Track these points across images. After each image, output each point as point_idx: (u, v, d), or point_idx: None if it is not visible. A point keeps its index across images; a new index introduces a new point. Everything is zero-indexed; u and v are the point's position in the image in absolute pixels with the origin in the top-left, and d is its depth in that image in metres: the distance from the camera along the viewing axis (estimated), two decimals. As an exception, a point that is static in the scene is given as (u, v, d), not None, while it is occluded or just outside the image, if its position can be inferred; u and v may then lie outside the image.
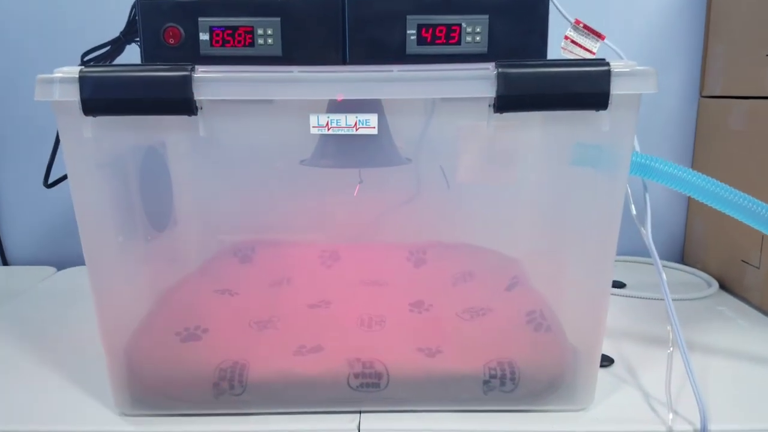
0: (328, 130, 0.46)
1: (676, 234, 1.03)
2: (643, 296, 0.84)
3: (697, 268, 0.95)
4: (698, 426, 0.53)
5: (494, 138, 0.62)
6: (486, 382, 0.54)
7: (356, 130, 0.46)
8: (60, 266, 0.98)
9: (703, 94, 0.97)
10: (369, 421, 0.54)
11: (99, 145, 0.51)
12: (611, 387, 0.59)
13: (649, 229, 0.55)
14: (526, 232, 0.72)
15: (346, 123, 0.46)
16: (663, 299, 0.81)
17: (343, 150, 0.56)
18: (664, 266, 0.97)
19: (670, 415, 0.54)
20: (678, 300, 0.83)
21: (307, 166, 0.59)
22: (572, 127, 0.51)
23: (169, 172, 0.64)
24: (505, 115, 0.48)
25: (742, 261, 0.84)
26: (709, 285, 0.88)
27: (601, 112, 0.47)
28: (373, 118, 0.46)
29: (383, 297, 0.71)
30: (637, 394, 0.58)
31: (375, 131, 0.47)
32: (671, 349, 0.57)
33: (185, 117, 0.48)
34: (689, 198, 0.99)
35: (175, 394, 0.54)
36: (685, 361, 0.54)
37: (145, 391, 0.54)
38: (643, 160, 0.52)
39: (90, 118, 0.48)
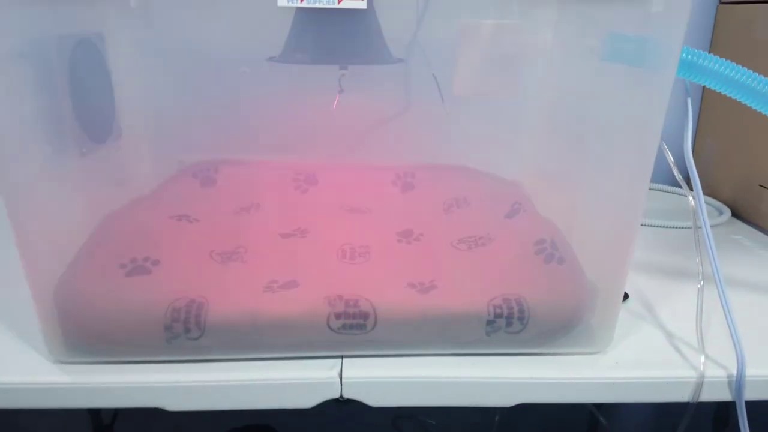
0: (302, 1, 0.35)
1: (681, 155, 0.95)
2: (668, 225, 0.76)
3: (706, 194, 0.87)
4: (733, 371, 0.46)
5: (503, 32, 0.52)
6: (490, 322, 0.46)
7: (339, 2, 0.35)
8: None
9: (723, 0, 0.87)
10: (352, 367, 0.46)
11: (4, 24, 0.39)
12: (629, 326, 0.52)
13: (689, 145, 0.46)
14: (533, 150, 0.63)
15: (325, -6, 0.35)
16: (686, 228, 0.76)
17: (321, 41, 0.45)
18: (665, 191, 0.90)
19: (702, 359, 0.47)
20: (684, 228, 0.76)
21: (276, 63, 0.48)
22: (609, 7, 0.40)
23: (108, 70, 0.52)
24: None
25: (760, 186, 0.76)
26: (721, 212, 0.81)
27: (654, -14, 0.37)
28: (360, -12, 0.35)
29: (366, 225, 0.62)
30: (660, 335, 0.51)
31: (364, 4, 0.36)
32: (701, 282, 0.50)
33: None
34: (699, 114, 0.90)
35: (119, 339, 0.45)
36: (721, 296, 0.47)
37: (83, 335, 0.45)
38: (694, 58, 0.42)
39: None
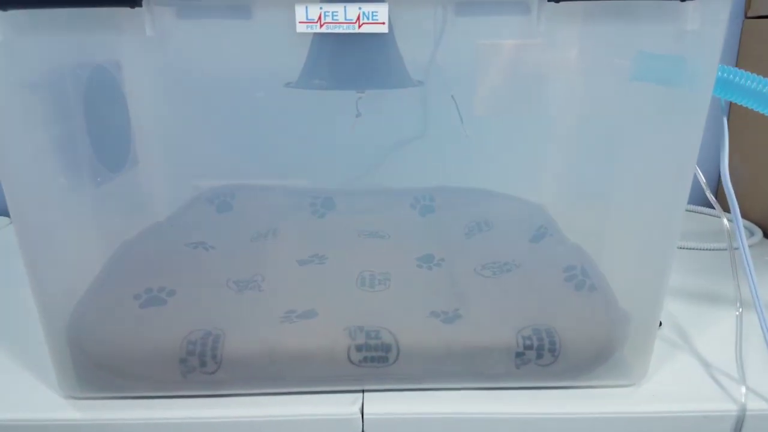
0: (321, 27, 0.34)
1: (709, 176, 0.93)
2: (699, 247, 0.73)
3: (735, 215, 0.85)
4: (778, 404, 0.43)
5: (525, 51, 0.50)
6: (519, 354, 0.44)
7: (359, 27, 0.34)
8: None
9: (749, 14, 0.85)
10: (374, 402, 0.44)
11: (18, 53, 0.38)
12: (664, 356, 0.49)
13: (726, 165, 0.44)
14: (559, 172, 0.61)
15: (345, 17, 0.34)
16: (718, 250, 0.74)
17: (339, 66, 0.44)
18: (693, 211, 0.88)
19: (743, 390, 0.44)
20: (715, 250, 0.73)
21: (294, 88, 0.47)
22: (638, 24, 0.39)
23: (124, 97, 0.51)
24: (562, 5, 0.36)
25: (793, 206, 0.74)
26: (752, 233, 0.78)
27: (688, 2, 0.35)
28: (382, 10, 0.34)
29: (386, 251, 0.60)
30: (697, 365, 0.48)
31: (385, 29, 0.34)
32: (740, 309, 0.47)
33: (127, 11, 0.35)
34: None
35: (133, 373, 0.43)
36: (762, 322, 0.44)
37: (96, 370, 0.43)
38: (730, 76, 0.40)
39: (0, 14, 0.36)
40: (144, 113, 0.53)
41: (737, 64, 0.88)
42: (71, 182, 0.45)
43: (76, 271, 0.47)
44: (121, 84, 0.50)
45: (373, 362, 0.44)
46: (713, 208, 0.87)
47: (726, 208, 0.77)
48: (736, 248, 0.47)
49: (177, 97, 0.54)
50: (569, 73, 0.53)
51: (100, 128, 0.47)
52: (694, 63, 0.39)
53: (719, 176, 0.90)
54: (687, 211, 0.87)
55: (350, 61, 0.43)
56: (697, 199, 0.90)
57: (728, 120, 0.45)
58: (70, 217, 0.46)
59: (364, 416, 0.43)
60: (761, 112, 0.43)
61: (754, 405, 0.43)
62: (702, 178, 0.49)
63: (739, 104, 0.42)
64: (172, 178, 0.60)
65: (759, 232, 0.78)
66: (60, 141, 0.43)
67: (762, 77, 0.41)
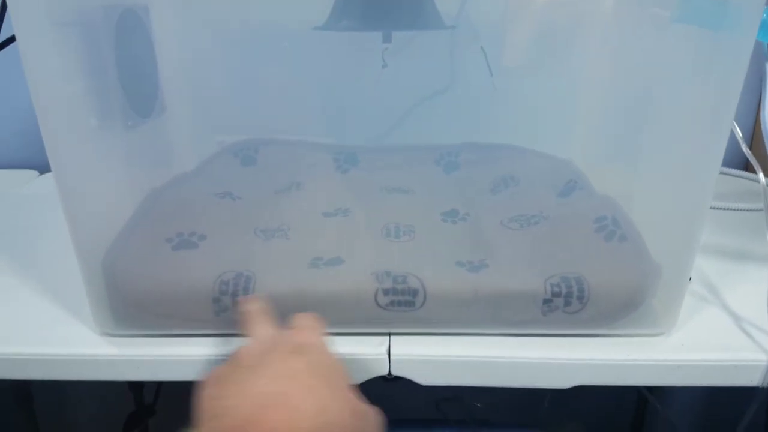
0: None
1: (743, 132, 0.90)
2: (733, 207, 0.72)
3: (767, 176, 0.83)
4: (809, 355, 0.43)
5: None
6: (546, 301, 0.44)
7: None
8: (43, 169, 0.87)
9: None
10: (400, 344, 0.44)
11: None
12: (694, 309, 0.49)
13: (767, 113, 0.43)
14: (590, 127, 0.60)
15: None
16: (752, 210, 0.72)
17: (369, 5, 0.43)
18: (725, 173, 0.86)
19: (773, 342, 0.44)
20: (748, 210, 0.72)
21: (322, 30, 0.46)
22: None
23: (152, 43, 0.51)
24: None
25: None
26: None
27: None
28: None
29: (410, 205, 0.60)
30: (727, 317, 0.48)
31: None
32: (774, 263, 0.46)
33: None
34: (761, 91, 0.85)
35: (167, 312, 0.44)
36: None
37: (130, 308, 0.44)
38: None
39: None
40: (170, 60, 0.53)
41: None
42: (104, 124, 0.45)
43: (109, 213, 0.47)
44: (149, 29, 0.49)
45: (400, 306, 0.45)
46: (743, 169, 0.86)
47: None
48: (744, 209, 0.46)
49: (201, 44, 0.54)
50: (604, 22, 0.52)
51: (129, 72, 0.47)
52: (738, 3, 0.37)
53: (752, 134, 0.88)
54: (721, 173, 0.86)
55: (380, 3, 0.43)
56: (727, 160, 0.88)
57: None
58: (103, 159, 0.46)
59: (391, 357, 0.43)
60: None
61: (784, 355, 0.43)
62: (738, 132, 0.48)
63: None
64: (198, 128, 0.60)
65: (790, 194, 0.76)
66: (92, 82, 0.43)
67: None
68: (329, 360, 0.38)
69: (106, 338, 0.44)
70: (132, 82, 0.48)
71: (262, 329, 0.40)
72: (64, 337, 0.44)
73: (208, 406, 0.34)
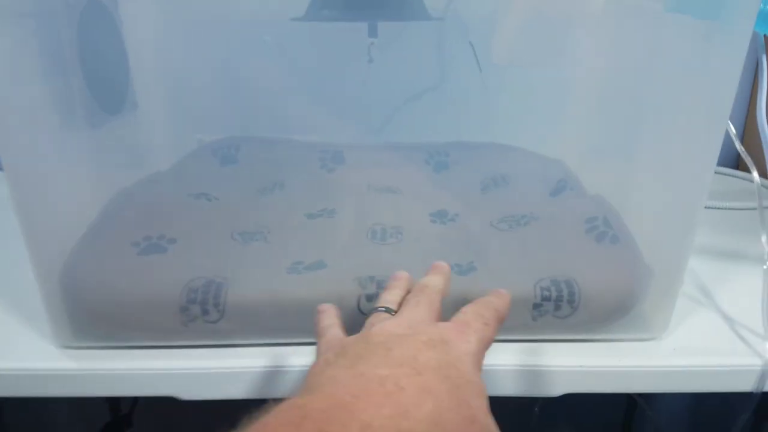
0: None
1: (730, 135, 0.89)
2: (726, 206, 0.71)
3: (760, 175, 0.81)
4: (807, 360, 0.41)
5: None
6: (537, 306, 0.42)
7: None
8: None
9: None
10: (384, 354, 0.42)
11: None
12: (686, 312, 0.47)
13: (764, 112, 0.41)
14: (581, 125, 0.58)
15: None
16: (743, 209, 0.71)
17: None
18: (717, 173, 0.84)
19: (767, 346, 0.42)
20: (741, 209, 0.70)
21: (302, 21, 0.44)
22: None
23: (121, 36, 0.49)
24: None
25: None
26: (777, 194, 0.75)
27: None
28: None
29: (397, 206, 0.58)
30: (720, 321, 0.46)
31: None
32: (769, 263, 0.45)
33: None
34: (753, 88, 0.84)
35: (131, 322, 0.41)
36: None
37: (91, 318, 0.41)
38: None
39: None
40: (143, 54, 0.51)
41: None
42: (64, 121, 0.42)
43: (70, 217, 0.45)
44: (117, 20, 0.47)
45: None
46: (735, 167, 0.85)
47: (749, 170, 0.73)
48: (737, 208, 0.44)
49: (177, 38, 0.52)
50: (596, 15, 0.50)
51: (95, 66, 0.45)
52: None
53: (744, 131, 0.87)
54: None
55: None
56: (724, 159, 0.87)
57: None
58: (64, 159, 0.43)
59: (373, 368, 0.41)
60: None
61: (781, 361, 0.41)
62: (732, 129, 0.46)
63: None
64: (174, 126, 0.58)
65: (784, 193, 0.75)
66: (52, 76, 0.41)
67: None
68: (467, 370, 0.31)
69: (65, 351, 0.41)
70: (98, 77, 0.45)
71: (412, 311, 0.34)
72: (19, 351, 0.42)
73: (319, 370, 0.30)
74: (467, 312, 0.35)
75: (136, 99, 0.51)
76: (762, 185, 0.78)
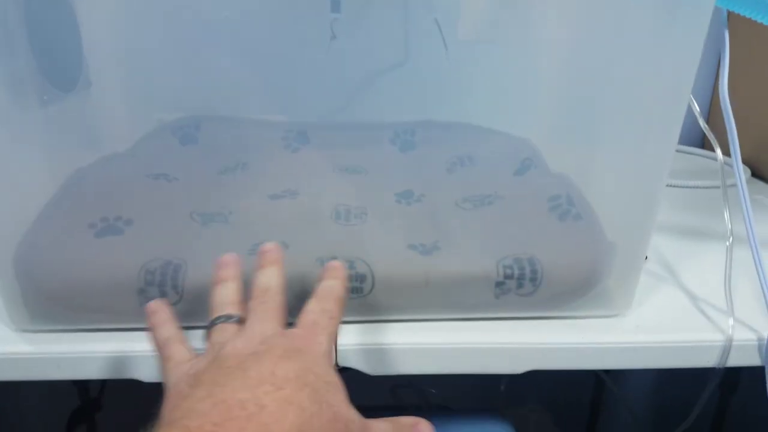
0: None
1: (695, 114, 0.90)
2: (688, 185, 0.71)
3: (723, 154, 0.83)
4: (765, 334, 0.42)
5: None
6: (499, 284, 0.42)
7: None
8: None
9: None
10: (348, 334, 0.42)
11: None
12: (650, 289, 0.48)
13: (725, 89, 0.41)
14: (546, 103, 0.58)
15: None
16: (707, 187, 0.72)
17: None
18: (681, 152, 0.85)
19: (730, 322, 0.43)
20: (705, 188, 0.71)
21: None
22: None
23: (73, 9, 0.46)
24: None
25: (782, 144, 0.72)
26: (740, 173, 0.76)
27: None
28: None
29: (363, 186, 0.57)
30: (684, 297, 0.47)
31: None
32: (731, 239, 0.45)
33: None
34: (717, 68, 0.85)
35: (88, 304, 0.40)
36: (755, 254, 0.42)
37: (47, 301, 0.40)
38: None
39: None
40: (97, 30, 0.49)
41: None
42: (11, 98, 0.40)
43: (24, 198, 0.43)
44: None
45: (348, 293, 0.42)
46: (700, 146, 0.86)
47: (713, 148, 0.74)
48: (731, 185, 0.45)
49: (133, 12, 0.50)
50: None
51: (45, 41, 0.43)
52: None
53: (709, 109, 0.88)
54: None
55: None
56: (690, 139, 0.88)
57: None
58: (15, 139, 0.42)
59: (337, 347, 0.41)
60: None
61: (741, 335, 0.42)
62: (696, 107, 0.46)
63: (746, 16, 0.39)
64: (132, 105, 0.56)
65: (747, 171, 0.76)
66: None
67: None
68: (324, 370, 0.32)
69: (22, 335, 0.40)
70: (49, 53, 0.44)
71: (260, 325, 0.34)
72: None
73: (174, 404, 0.30)
74: (313, 311, 0.36)
75: (90, 76, 0.49)
76: (725, 163, 0.79)
